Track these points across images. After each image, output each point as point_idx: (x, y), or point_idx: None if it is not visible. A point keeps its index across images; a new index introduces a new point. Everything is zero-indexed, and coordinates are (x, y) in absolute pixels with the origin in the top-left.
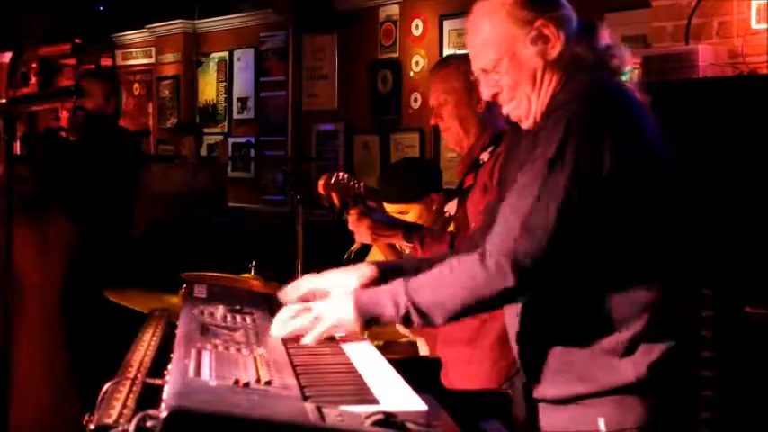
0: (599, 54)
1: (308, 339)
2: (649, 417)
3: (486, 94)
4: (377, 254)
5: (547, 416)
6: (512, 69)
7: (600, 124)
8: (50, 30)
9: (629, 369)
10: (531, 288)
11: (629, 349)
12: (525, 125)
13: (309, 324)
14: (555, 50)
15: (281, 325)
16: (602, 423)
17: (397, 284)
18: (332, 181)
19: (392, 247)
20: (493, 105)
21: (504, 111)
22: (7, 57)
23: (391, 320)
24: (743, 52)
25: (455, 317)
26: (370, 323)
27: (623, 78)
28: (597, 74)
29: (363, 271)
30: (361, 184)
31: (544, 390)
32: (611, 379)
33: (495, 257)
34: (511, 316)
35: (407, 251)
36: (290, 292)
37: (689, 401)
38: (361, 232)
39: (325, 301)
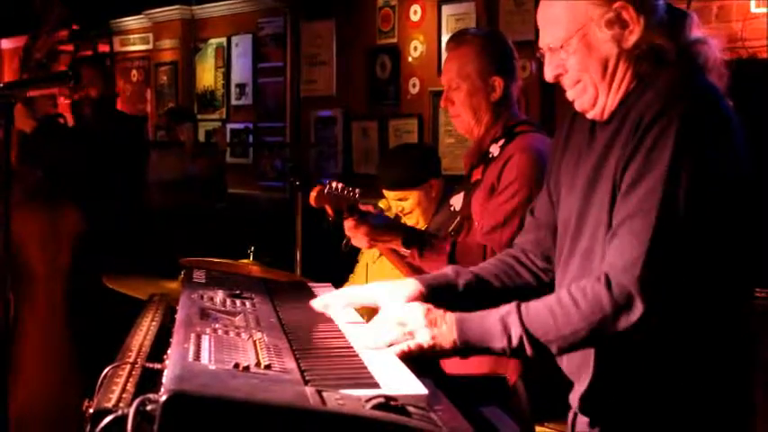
0: (683, 48)
1: (395, 351)
2: None
3: (548, 74)
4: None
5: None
6: (581, 51)
7: (711, 133)
8: (65, 17)
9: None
10: (658, 318)
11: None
12: (590, 115)
13: (401, 338)
14: (632, 37)
15: (372, 337)
16: None
17: (507, 309)
18: (324, 192)
19: (394, 250)
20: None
21: (568, 96)
22: (6, 43)
23: (499, 352)
24: (742, 36)
25: (573, 349)
26: (470, 353)
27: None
28: (689, 71)
29: (410, 288)
30: (357, 191)
31: (601, 407)
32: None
33: (624, 286)
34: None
35: (406, 255)
36: (331, 302)
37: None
38: (358, 239)
39: (422, 313)
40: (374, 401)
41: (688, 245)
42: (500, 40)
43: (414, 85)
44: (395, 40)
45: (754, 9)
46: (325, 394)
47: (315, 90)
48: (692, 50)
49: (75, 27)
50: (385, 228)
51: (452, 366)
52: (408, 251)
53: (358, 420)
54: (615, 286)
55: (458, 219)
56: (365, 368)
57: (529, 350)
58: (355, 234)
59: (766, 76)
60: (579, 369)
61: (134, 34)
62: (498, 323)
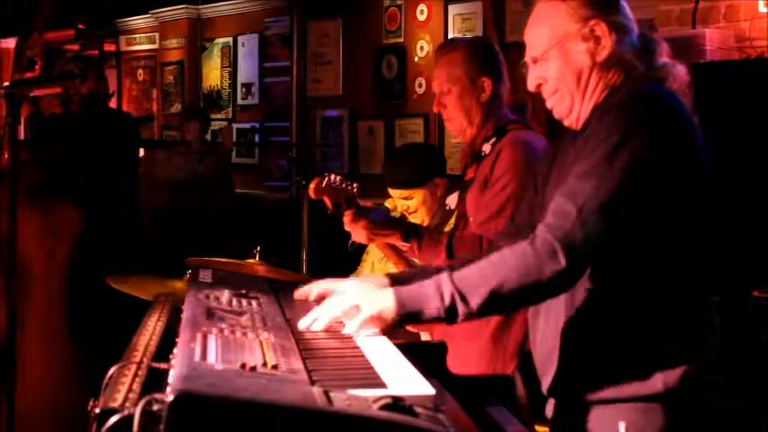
0: (652, 69)
1: (350, 329)
2: (670, 427)
3: (530, 84)
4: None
5: (565, 413)
6: (559, 60)
7: (663, 127)
8: (55, 14)
9: (659, 380)
10: (580, 274)
11: (660, 360)
12: (566, 122)
13: (348, 311)
14: (604, 52)
15: (317, 317)
16: (622, 428)
17: (441, 275)
18: (323, 185)
19: (390, 245)
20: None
21: (548, 104)
22: (12, 42)
23: (435, 314)
24: (750, 36)
25: (502, 303)
26: (408, 320)
27: None
28: (654, 84)
29: (377, 282)
30: (355, 186)
31: (567, 388)
32: (640, 388)
33: (548, 240)
34: (540, 318)
35: (405, 249)
36: (302, 293)
37: (708, 415)
38: (357, 233)
39: (362, 289)
40: (381, 402)
41: (617, 216)
42: (486, 45)
43: (420, 85)
44: (401, 40)
45: (762, 9)
46: (332, 394)
47: (321, 90)
48: (660, 72)
49: (81, 26)
50: (383, 222)
51: (458, 366)
52: (407, 245)
53: (365, 421)
54: (540, 241)
55: (453, 217)
56: (372, 368)
57: (461, 308)
58: (354, 228)
59: None
60: (547, 361)
61: (140, 33)
62: (432, 285)
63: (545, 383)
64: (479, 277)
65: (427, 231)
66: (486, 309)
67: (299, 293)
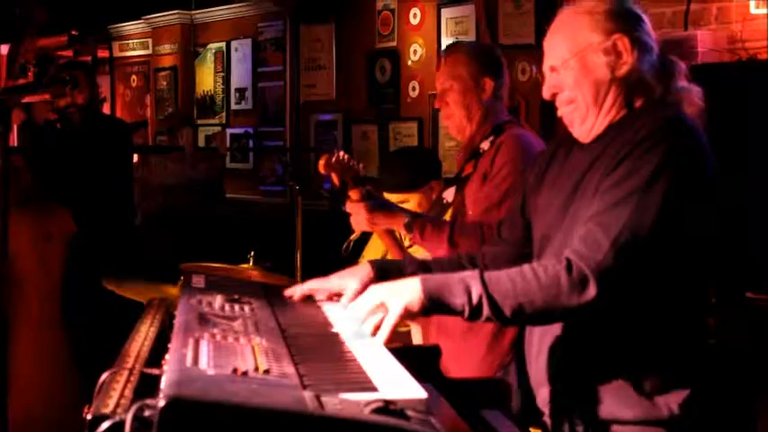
0: (669, 92)
1: (382, 336)
2: None
3: (546, 92)
4: (376, 243)
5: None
6: (578, 70)
7: (695, 160)
8: (48, 20)
9: (663, 405)
10: (608, 304)
11: (664, 387)
12: (576, 133)
13: (375, 311)
14: (625, 67)
15: (355, 322)
16: None
17: (470, 273)
18: (333, 160)
19: (391, 234)
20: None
21: (560, 113)
22: (4, 49)
23: (459, 309)
24: (742, 38)
25: (525, 317)
26: (434, 311)
27: None
28: (676, 110)
29: (361, 272)
30: (361, 165)
31: (563, 405)
32: (646, 412)
33: (581, 270)
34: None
35: (407, 239)
36: (289, 292)
37: None
38: (358, 220)
39: (385, 286)
40: (373, 405)
41: (649, 249)
42: (489, 48)
43: (413, 89)
44: (394, 44)
45: (753, 10)
46: (323, 398)
47: (315, 94)
48: (677, 96)
49: (74, 32)
50: (386, 209)
51: (453, 370)
52: (410, 233)
53: (357, 424)
54: (574, 268)
55: (451, 210)
56: (364, 372)
57: (486, 310)
58: (357, 210)
59: (766, 78)
60: (543, 376)
61: (133, 39)
62: (460, 282)
63: (540, 397)
64: (510, 288)
65: (430, 220)
66: (509, 320)
67: (288, 292)
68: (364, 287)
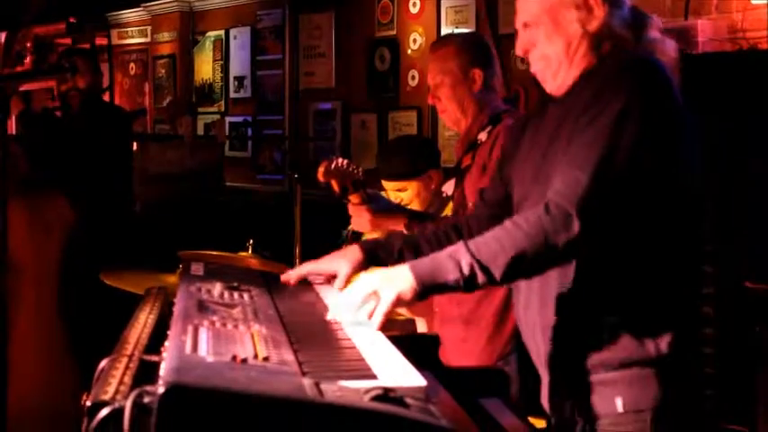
0: (641, 42)
1: (374, 324)
2: (664, 398)
3: (519, 48)
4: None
5: (560, 398)
6: (549, 25)
7: (663, 94)
8: (46, 7)
9: (651, 345)
10: (591, 239)
11: (651, 326)
12: (549, 88)
13: (367, 299)
14: (595, 22)
15: (350, 310)
16: (619, 403)
17: (456, 246)
18: (332, 167)
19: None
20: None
21: (532, 69)
22: (2, 36)
23: (455, 285)
24: (743, 27)
25: (518, 271)
26: (429, 293)
27: None
28: (645, 53)
29: (350, 254)
30: (360, 170)
31: (558, 360)
32: (632, 353)
33: (562, 207)
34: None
35: None
36: (285, 277)
37: (699, 383)
38: (360, 222)
39: (377, 274)
40: (372, 393)
41: (627, 179)
42: (477, 38)
43: (413, 78)
44: (394, 33)
45: (754, 0)
46: (323, 386)
47: (314, 82)
48: (649, 47)
49: (72, 20)
50: (388, 210)
51: (454, 360)
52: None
53: (356, 412)
54: (554, 207)
55: (452, 204)
56: (363, 360)
57: (481, 277)
58: (358, 213)
59: (767, 68)
60: (533, 334)
61: (132, 27)
62: (448, 258)
63: (535, 357)
64: (497, 247)
65: (431, 218)
66: (505, 277)
67: (283, 277)
68: (354, 270)
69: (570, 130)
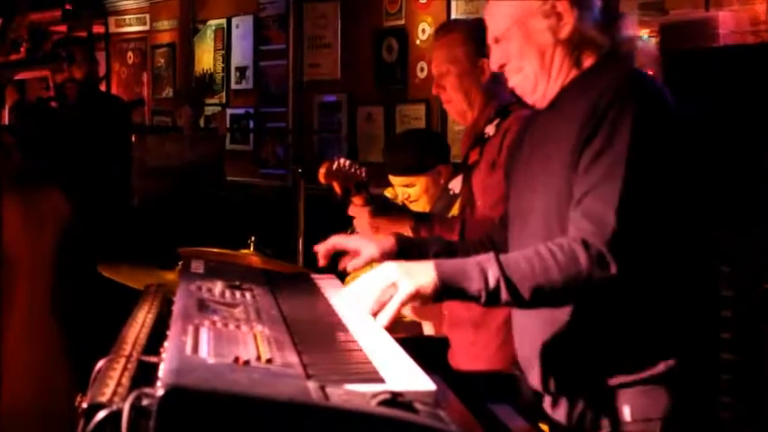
0: (617, 43)
1: (387, 315)
2: (674, 408)
3: (494, 63)
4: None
5: (568, 404)
6: (520, 38)
7: (664, 115)
8: None
9: (662, 356)
10: (630, 276)
11: (660, 342)
12: (530, 101)
13: (386, 290)
14: (567, 28)
15: (363, 293)
16: (627, 412)
17: (485, 256)
18: (333, 168)
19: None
20: (498, 76)
21: (510, 83)
22: None
23: (475, 294)
24: (765, 19)
25: (544, 298)
26: (448, 296)
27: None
28: (632, 65)
29: (384, 242)
30: (363, 170)
31: (570, 378)
32: (643, 371)
33: (597, 247)
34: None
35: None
36: (320, 249)
37: (711, 393)
38: (362, 224)
39: (400, 265)
40: (380, 397)
41: (652, 209)
42: (484, 24)
43: (422, 69)
44: (402, 22)
45: None
46: (328, 389)
47: (318, 74)
48: (625, 45)
49: (68, 6)
50: (391, 213)
51: (465, 364)
52: (418, 236)
53: (363, 417)
54: (590, 246)
55: (458, 202)
56: (370, 362)
57: (504, 294)
58: (361, 215)
59: None
60: (534, 353)
61: (130, 15)
62: (476, 266)
63: (533, 377)
64: (528, 269)
65: (437, 219)
66: (532, 301)
67: (316, 248)
68: (381, 256)
69: (567, 150)
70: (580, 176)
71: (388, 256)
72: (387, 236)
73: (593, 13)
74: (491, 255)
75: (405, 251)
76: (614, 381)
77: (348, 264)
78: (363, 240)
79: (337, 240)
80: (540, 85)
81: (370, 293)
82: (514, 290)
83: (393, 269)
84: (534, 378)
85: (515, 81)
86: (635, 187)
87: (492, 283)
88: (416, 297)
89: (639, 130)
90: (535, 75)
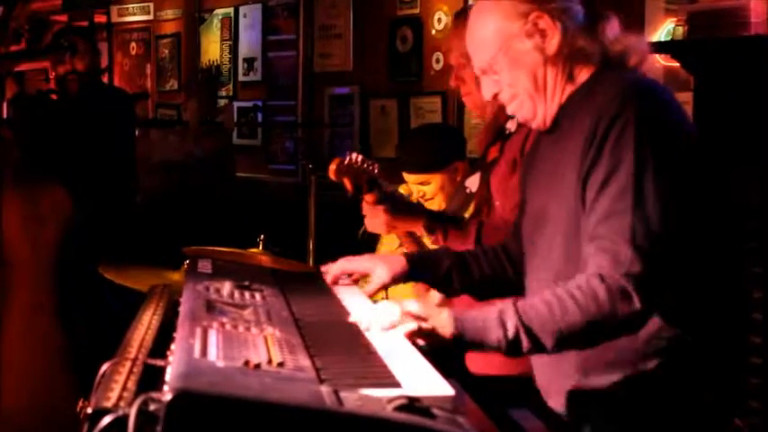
0: (607, 47)
1: (402, 331)
2: (702, 419)
3: (486, 95)
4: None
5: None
6: (508, 65)
7: (667, 125)
8: None
9: (686, 375)
10: (656, 309)
11: (688, 359)
12: (533, 126)
13: (403, 319)
14: (553, 43)
15: (372, 320)
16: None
17: (505, 306)
18: (344, 164)
19: (411, 235)
20: None
21: (509, 110)
22: None
23: (495, 344)
24: None
25: (568, 343)
26: (468, 348)
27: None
28: (628, 71)
29: (394, 263)
30: (376, 166)
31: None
32: (668, 389)
33: (619, 283)
34: None
35: (429, 240)
36: (329, 271)
37: (740, 399)
38: (374, 223)
39: (417, 312)
40: (396, 402)
41: (668, 229)
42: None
43: (437, 61)
44: (417, 11)
45: None
46: (342, 394)
47: (330, 65)
48: (617, 48)
49: None
50: (406, 210)
51: (480, 366)
52: (432, 236)
53: (378, 422)
54: (611, 283)
55: (474, 201)
56: (386, 366)
57: (525, 343)
58: (374, 213)
59: None
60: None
61: (133, 4)
62: (495, 317)
63: (552, 403)
64: (547, 314)
65: (452, 224)
66: (553, 348)
67: (323, 269)
68: (393, 280)
69: (577, 175)
70: (589, 208)
71: (398, 279)
72: (396, 256)
73: (576, 22)
74: (509, 302)
75: (417, 270)
76: (636, 402)
77: (364, 290)
78: (373, 262)
79: (346, 264)
80: (540, 108)
81: (386, 321)
82: (534, 338)
83: (414, 306)
84: (553, 404)
85: (513, 108)
86: (646, 212)
87: (511, 332)
88: (430, 336)
89: (643, 149)
90: (531, 98)
